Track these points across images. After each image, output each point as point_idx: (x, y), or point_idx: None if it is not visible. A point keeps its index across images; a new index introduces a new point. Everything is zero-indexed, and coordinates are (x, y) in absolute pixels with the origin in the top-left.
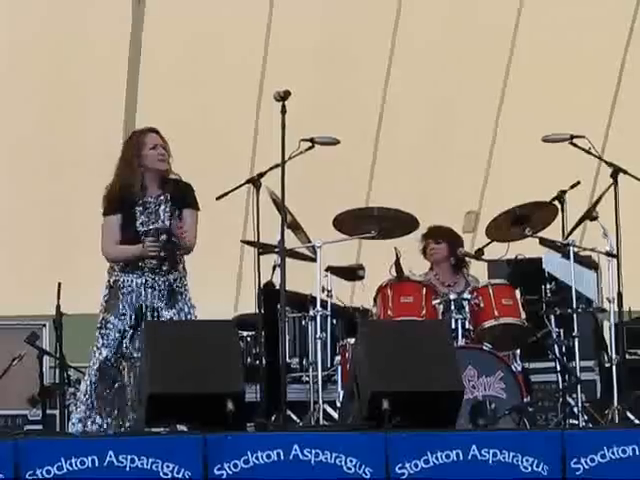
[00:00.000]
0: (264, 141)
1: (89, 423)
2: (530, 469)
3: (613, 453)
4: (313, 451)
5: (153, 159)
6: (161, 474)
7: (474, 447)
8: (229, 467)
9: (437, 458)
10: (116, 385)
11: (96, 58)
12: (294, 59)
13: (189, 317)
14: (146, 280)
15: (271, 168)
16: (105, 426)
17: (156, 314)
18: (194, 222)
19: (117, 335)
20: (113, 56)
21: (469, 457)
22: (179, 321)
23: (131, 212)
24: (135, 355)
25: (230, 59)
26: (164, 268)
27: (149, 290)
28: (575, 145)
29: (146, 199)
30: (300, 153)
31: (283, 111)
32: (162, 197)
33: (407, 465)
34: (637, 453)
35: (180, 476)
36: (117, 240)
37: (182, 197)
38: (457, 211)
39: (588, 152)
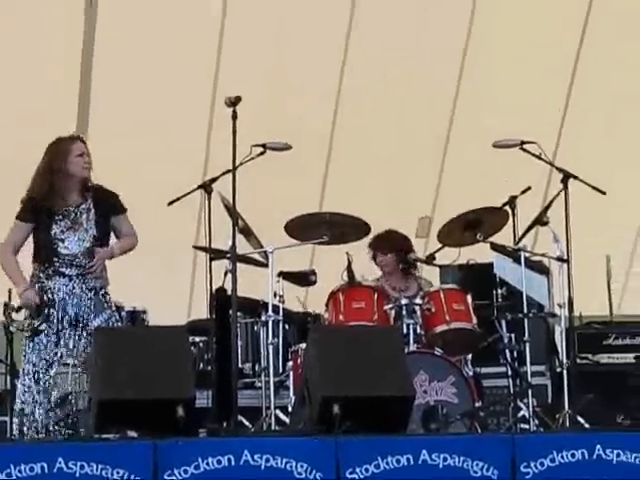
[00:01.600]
0: (217, 147)
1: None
2: (480, 473)
3: (563, 457)
4: (264, 456)
5: (79, 167)
6: None
7: (424, 452)
8: (179, 473)
9: (388, 463)
10: (55, 393)
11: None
12: (247, 63)
13: (117, 325)
14: (73, 287)
15: (223, 173)
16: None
17: (84, 321)
18: (129, 223)
19: (46, 341)
20: (65, 65)
21: (419, 462)
22: (129, 327)
23: (48, 219)
24: (69, 361)
25: (183, 63)
26: (90, 276)
27: (76, 297)
28: (526, 151)
29: (66, 207)
30: (252, 159)
31: (234, 116)
32: (84, 205)
33: (358, 470)
34: (586, 457)
35: None
36: (17, 247)
37: (109, 205)
38: (410, 216)
39: (539, 158)
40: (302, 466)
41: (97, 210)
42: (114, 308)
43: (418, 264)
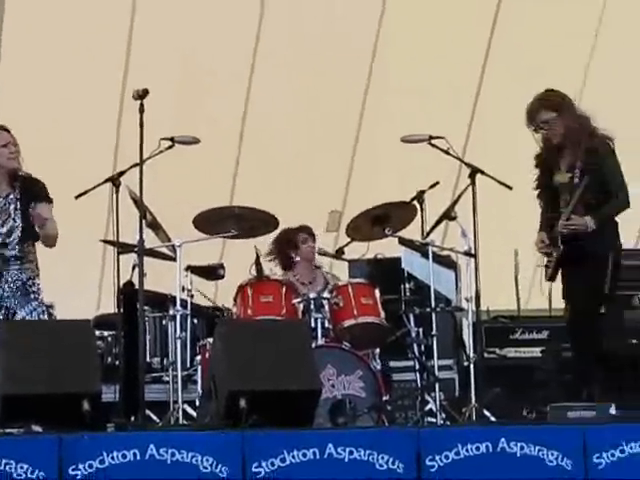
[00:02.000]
0: (126, 140)
1: None
2: (386, 467)
3: (467, 450)
4: (169, 450)
5: (4, 157)
6: (14, 475)
7: (330, 445)
8: (84, 467)
9: (294, 457)
10: None
11: None
12: (158, 58)
13: (43, 317)
14: (1, 277)
15: (131, 167)
16: None
17: (9, 312)
18: (51, 214)
19: None
20: None
21: (325, 455)
22: (35, 321)
23: None
24: None
25: (93, 57)
26: (16, 267)
27: (2, 287)
28: (434, 145)
29: None
30: (160, 152)
31: (141, 110)
32: (12, 196)
33: (264, 464)
34: (491, 450)
35: (34, 477)
36: None
37: (32, 192)
38: (320, 211)
39: (447, 152)
40: (208, 460)
41: (23, 199)
42: (41, 300)
43: (324, 259)
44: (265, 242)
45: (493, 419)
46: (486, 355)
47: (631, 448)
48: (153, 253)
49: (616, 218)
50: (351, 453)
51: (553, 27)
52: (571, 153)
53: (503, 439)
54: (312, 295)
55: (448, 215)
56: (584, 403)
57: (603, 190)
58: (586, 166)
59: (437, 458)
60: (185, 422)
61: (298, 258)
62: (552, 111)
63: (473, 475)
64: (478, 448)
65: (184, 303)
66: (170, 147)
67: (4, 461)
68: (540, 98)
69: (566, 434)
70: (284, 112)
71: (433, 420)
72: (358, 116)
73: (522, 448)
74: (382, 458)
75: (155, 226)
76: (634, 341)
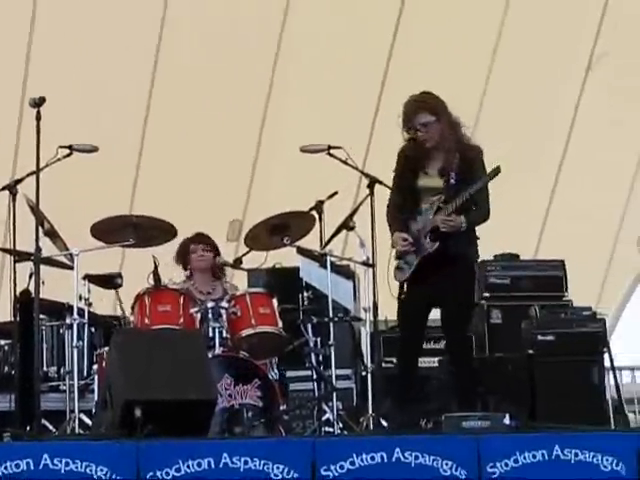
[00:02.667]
0: (25, 148)
1: None
2: (281, 476)
3: (362, 460)
4: (63, 460)
5: None
6: None
7: (226, 455)
8: None
9: (189, 466)
10: None
11: None
12: (57, 66)
13: None
14: None
15: (28, 175)
16: None
17: None
18: None
19: None
20: None
21: (221, 465)
22: None
23: None
24: None
25: None
26: None
27: None
28: (332, 156)
29: None
30: (58, 160)
31: (38, 117)
32: None
33: (158, 473)
34: (385, 460)
35: None
36: None
37: None
38: (221, 220)
39: (345, 163)
40: (102, 470)
41: None
42: None
43: (226, 268)
44: (164, 251)
45: (389, 429)
46: (384, 365)
47: (524, 458)
48: (50, 261)
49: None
50: (246, 463)
51: (452, 38)
52: (443, 158)
53: (398, 449)
54: (210, 304)
55: (346, 225)
56: (479, 413)
57: (472, 199)
58: (462, 173)
59: (332, 468)
60: (81, 431)
61: (192, 269)
62: (431, 114)
63: None
64: (373, 458)
65: (81, 312)
66: (68, 155)
67: None
68: (419, 100)
69: (460, 444)
70: (185, 120)
71: (330, 430)
72: (259, 126)
73: (417, 458)
74: (277, 468)
75: (52, 234)
76: (530, 351)
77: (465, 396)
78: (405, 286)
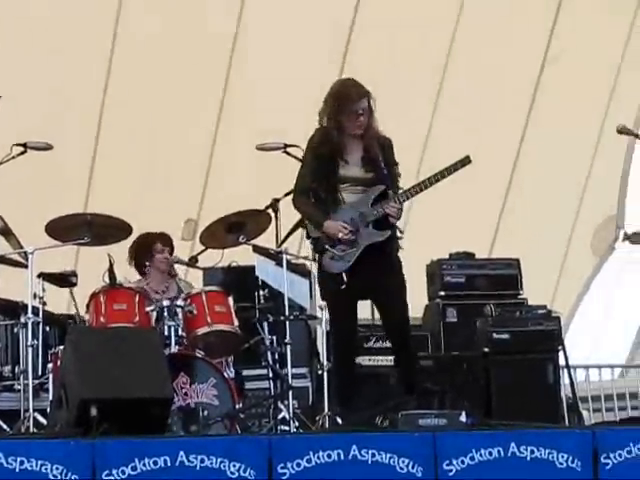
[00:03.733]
0: None
1: None
2: (237, 474)
3: (319, 458)
4: (18, 459)
5: None
6: None
7: (182, 453)
8: None
9: (145, 464)
10: None
11: None
12: (10, 61)
13: None
14: None
15: None
16: None
17: None
18: None
19: None
20: None
21: (177, 463)
22: None
23: None
24: None
25: None
26: None
27: None
28: (289, 154)
29: None
30: (12, 158)
31: None
32: None
33: (114, 472)
34: (342, 458)
35: None
36: None
37: None
38: (176, 219)
39: (301, 161)
40: (57, 468)
41: None
42: None
43: (177, 266)
44: (119, 250)
45: (345, 427)
46: None
47: (481, 455)
48: (4, 260)
49: None
50: (202, 461)
51: (406, 38)
52: (364, 147)
53: (355, 446)
54: (165, 303)
55: (302, 223)
56: (435, 411)
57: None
58: (384, 162)
59: (289, 466)
60: (36, 430)
61: (150, 268)
62: (368, 101)
63: None
64: (330, 455)
65: (36, 310)
66: (23, 153)
67: None
68: (359, 85)
69: (417, 441)
70: (139, 118)
71: (286, 428)
72: (214, 124)
73: (373, 455)
74: (234, 466)
75: (6, 232)
76: (486, 350)
77: (408, 380)
78: (345, 276)
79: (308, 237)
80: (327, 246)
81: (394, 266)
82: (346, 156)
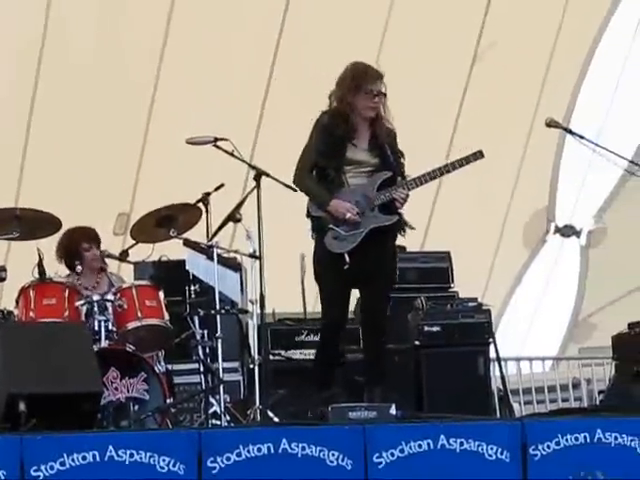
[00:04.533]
0: None
1: None
2: (167, 469)
3: (249, 451)
4: None
5: None
6: None
7: (111, 448)
8: None
9: (74, 460)
10: None
11: None
12: None
13: None
14: None
15: None
16: None
17: None
18: None
19: None
20: None
21: (106, 458)
22: None
23: None
24: None
25: None
26: None
27: None
28: (219, 147)
29: None
30: None
31: None
32: None
33: (43, 467)
34: (272, 451)
35: None
36: None
37: None
38: (108, 213)
39: (232, 155)
40: None
41: None
42: None
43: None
44: (49, 244)
45: (276, 420)
46: (271, 357)
47: (410, 448)
48: None
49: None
50: (132, 455)
51: (338, 32)
52: (372, 132)
53: (285, 440)
54: (95, 297)
55: (233, 217)
56: (365, 404)
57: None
58: (391, 149)
59: (219, 459)
60: None
61: (80, 267)
62: (383, 85)
63: (255, 476)
64: (260, 449)
65: None
66: None
67: None
68: (376, 69)
69: (347, 434)
70: (70, 113)
71: (218, 422)
72: (145, 118)
73: (303, 449)
74: (163, 460)
75: None
76: (417, 342)
77: (375, 363)
78: (347, 257)
79: (308, 215)
80: (332, 225)
81: (394, 253)
82: (355, 139)
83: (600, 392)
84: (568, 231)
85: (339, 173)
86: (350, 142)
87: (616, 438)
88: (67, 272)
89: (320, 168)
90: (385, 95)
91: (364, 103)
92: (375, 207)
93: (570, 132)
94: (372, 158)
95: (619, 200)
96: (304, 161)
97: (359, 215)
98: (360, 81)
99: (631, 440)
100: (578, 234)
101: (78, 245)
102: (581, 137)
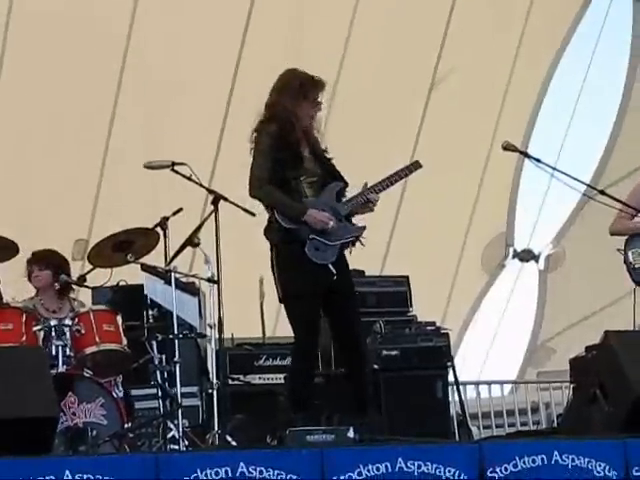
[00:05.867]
0: None
1: None
2: None
3: (206, 475)
4: None
5: None
6: None
7: (68, 472)
8: None
9: None
10: None
11: None
12: None
13: None
14: None
15: None
16: None
17: None
18: None
19: None
20: None
21: None
22: None
23: None
24: None
25: None
26: None
27: None
28: (177, 172)
29: None
30: None
31: None
32: None
33: None
34: (230, 475)
35: None
36: None
37: None
38: (67, 239)
39: (189, 179)
40: None
41: None
42: None
43: (72, 289)
44: (6, 268)
45: (234, 444)
46: (230, 382)
47: (368, 471)
48: None
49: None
50: None
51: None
52: (311, 141)
53: (242, 464)
54: (53, 322)
55: (191, 241)
56: (323, 427)
57: None
58: (326, 156)
59: None
60: None
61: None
62: None
63: None
64: (217, 473)
65: None
66: None
67: None
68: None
69: (304, 458)
70: (28, 138)
71: (176, 447)
72: (104, 143)
73: (261, 472)
74: None
75: None
76: (375, 366)
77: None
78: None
79: (277, 225)
80: (313, 235)
81: (346, 265)
82: (300, 148)
83: (559, 416)
84: (526, 255)
85: (298, 182)
86: (298, 151)
87: (573, 460)
88: (29, 296)
89: (279, 179)
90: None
91: (307, 112)
92: (343, 217)
93: (526, 155)
94: (317, 168)
95: (577, 224)
96: (261, 172)
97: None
98: (308, 89)
99: (588, 462)
100: (536, 258)
101: (28, 266)
102: (537, 160)
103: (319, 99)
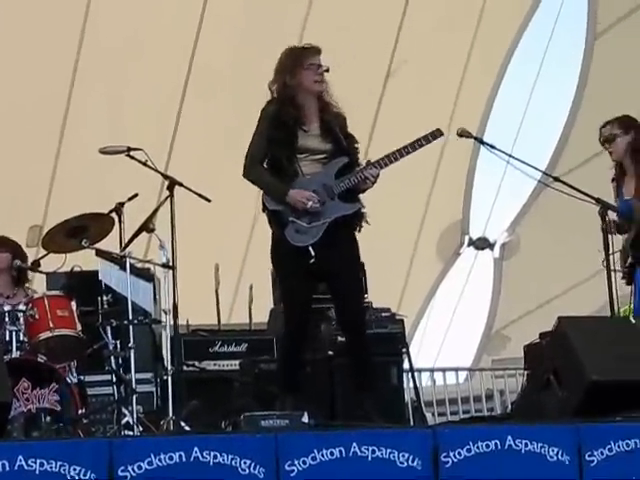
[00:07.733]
0: None
1: None
2: (77, 478)
3: (160, 460)
4: None
5: None
6: None
7: (21, 457)
8: None
9: None
10: None
11: None
12: None
13: None
14: None
15: None
16: None
17: None
18: None
19: None
20: None
21: (16, 467)
22: None
23: None
24: None
25: None
26: None
27: None
28: (132, 157)
29: None
30: None
31: None
32: None
33: None
34: (184, 459)
35: None
36: None
37: None
38: (21, 225)
39: (145, 164)
40: None
41: None
42: None
43: (27, 276)
44: None
45: (188, 429)
46: (185, 368)
47: (322, 456)
48: None
49: None
50: (42, 465)
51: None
52: (323, 117)
53: (196, 448)
54: (7, 308)
55: (146, 227)
56: (277, 412)
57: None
58: (344, 134)
59: (130, 468)
60: None
61: None
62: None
63: None
64: (171, 458)
65: None
66: None
67: None
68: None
69: (259, 442)
70: None
71: (130, 433)
72: (59, 129)
73: (215, 457)
74: (74, 470)
75: None
76: (330, 353)
77: (362, 368)
78: (312, 250)
79: (264, 210)
80: (292, 218)
81: (356, 243)
82: (305, 125)
83: (513, 403)
84: (482, 243)
85: (292, 162)
86: (301, 128)
87: (526, 445)
88: None
89: (272, 158)
90: (327, 71)
91: (309, 78)
92: (335, 196)
93: (481, 142)
94: (325, 144)
95: (532, 212)
96: (254, 153)
97: (320, 204)
98: (299, 57)
99: (541, 447)
100: (492, 247)
101: None
102: (492, 147)
103: (317, 62)
